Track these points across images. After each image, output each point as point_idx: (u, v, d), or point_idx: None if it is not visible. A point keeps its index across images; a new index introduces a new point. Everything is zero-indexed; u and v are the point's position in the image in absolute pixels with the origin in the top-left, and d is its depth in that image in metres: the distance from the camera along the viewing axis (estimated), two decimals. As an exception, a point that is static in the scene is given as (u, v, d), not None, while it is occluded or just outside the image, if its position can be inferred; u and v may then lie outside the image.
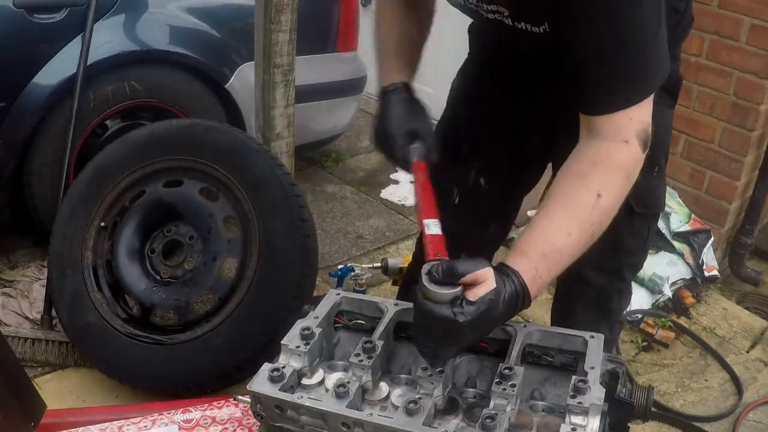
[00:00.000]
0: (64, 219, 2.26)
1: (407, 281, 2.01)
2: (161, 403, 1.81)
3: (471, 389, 1.28)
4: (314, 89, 3.07)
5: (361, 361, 1.23)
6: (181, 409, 1.64)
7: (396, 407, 1.17)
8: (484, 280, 1.11)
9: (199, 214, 2.18)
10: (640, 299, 2.84)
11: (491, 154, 1.68)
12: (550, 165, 1.67)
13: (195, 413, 1.63)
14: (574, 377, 1.15)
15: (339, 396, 1.15)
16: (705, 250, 3.00)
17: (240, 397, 1.39)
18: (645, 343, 2.74)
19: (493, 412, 1.12)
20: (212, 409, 1.64)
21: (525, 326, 1.29)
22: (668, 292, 2.89)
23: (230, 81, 2.86)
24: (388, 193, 3.69)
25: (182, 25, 2.78)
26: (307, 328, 1.27)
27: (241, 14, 2.85)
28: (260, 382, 1.19)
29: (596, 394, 1.12)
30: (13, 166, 2.60)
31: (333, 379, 1.22)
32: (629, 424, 1.23)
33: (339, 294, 1.40)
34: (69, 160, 2.52)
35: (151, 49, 2.71)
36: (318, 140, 3.49)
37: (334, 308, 1.37)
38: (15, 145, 2.56)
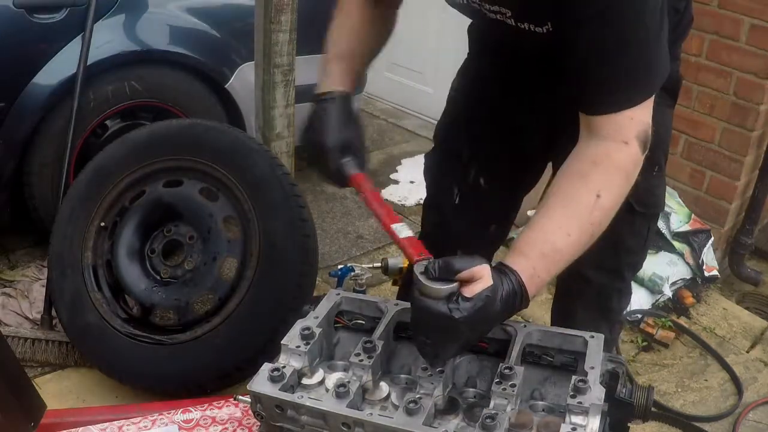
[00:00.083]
0: (64, 219, 2.26)
1: (407, 281, 2.01)
2: (161, 403, 1.81)
3: (471, 389, 1.28)
4: (314, 89, 3.07)
5: (361, 361, 1.23)
6: (181, 409, 1.64)
7: (396, 407, 1.17)
8: (481, 277, 1.11)
9: (199, 214, 2.18)
10: (640, 299, 2.84)
11: (491, 153, 1.68)
12: (550, 165, 1.68)
13: (195, 413, 1.63)
14: (574, 377, 1.15)
15: (339, 396, 1.15)
16: (705, 250, 3.00)
17: (240, 397, 1.39)
18: (645, 343, 2.74)
19: (493, 411, 1.12)
20: (212, 409, 1.64)
21: (525, 326, 1.29)
22: (668, 292, 2.89)
23: (230, 81, 2.86)
24: (388, 193, 3.70)
25: (182, 25, 2.78)
26: (307, 328, 1.27)
27: (241, 14, 2.85)
28: (260, 382, 1.19)
29: (596, 394, 1.12)
30: (13, 166, 2.60)
31: (333, 379, 1.22)
32: (629, 424, 1.23)
33: (339, 294, 1.40)
34: (69, 160, 2.52)
35: (151, 49, 2.71)
36: (318, 140, 3.48)
37: (334, 308, 1.37)
38: (15, 145, 2.56)
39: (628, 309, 2.44)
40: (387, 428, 1.10)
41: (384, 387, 1.23)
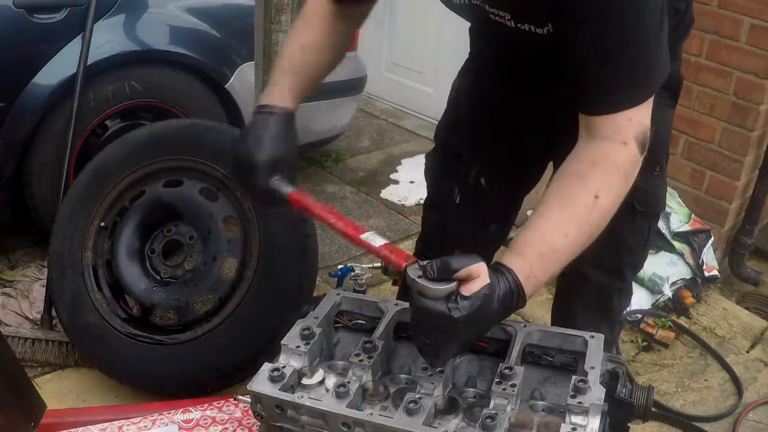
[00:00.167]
0: (64, 219, 2.26)
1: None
2: (161, 403, 1.80)
3: (471, 389, 1.28)
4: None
5: (361, 361, 1.23)
6: (181, 409, 1.64)
7: (396, 407, 1.17)
8: (478, 275, 1.11)
9: (199, 214, 2.18)
10: (640, 299, 2.84)
11: (492, 154, 1.68)
12: (551, 165, 1.68)
13: (195, 413, 1.63)
14: (574, 377, 1.15)
15: (339, 396, 1.15)
16: (705, 250, 3.00)
17: (240, 397, 1.39)
18: (645, 343, 2.74)
19: (493, 411, 1.12)
20: (212, 409, 1.64)
21: (525, 326, 1.29)
22: (668, 292, 2.89)
23: (230, 81, 2.86)
24: (388, 193, 3.70)
25: (182, 25, 2.78)
26: (307, 328, 1.27)
27: (241, 14, 2.85)
28: (260, 382, 1.19)
29: (596, 394, 1.12)
30: (13, 166, 2.60)
31: (333, 378, 1.22)
32: (629, 424, 1.23)
33: (339, 294, 1.40)
34: (69, 160, 2.52)
35: (151, 49, 2.71)
36: (318, 140, 3.49)
37: (334, 308, 1.37)
38: (15, 145, 2.56)
39: (628, 309, 2.44)
40: (387, 428, 1.10)
41: (384, 387, 1.23)
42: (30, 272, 2.66)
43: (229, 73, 2.86)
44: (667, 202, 1.80)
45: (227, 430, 1.59)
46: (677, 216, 3.03)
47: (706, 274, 3.00)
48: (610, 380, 1.20)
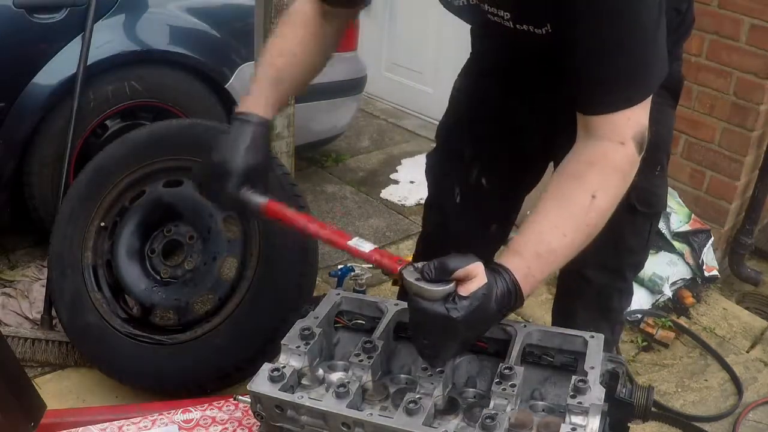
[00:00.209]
0: (64, 219, 2.26)
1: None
2: (161, 403, 1.80)
3: (471, 389, 1.28)
4: (314, 89, 3.05)
5: (361, 361, 1.23)
6: (181, 409, 1.64)
7: (396, 407, 1.17)
8: (475, 275, 1.11)
9: (199, 214, 2.17)
10: (640, 299, 2.84)
11: (492, 153, 1.69)
12: (551, 165, 1.68)
13: (195, 413, 1.62)
14: (574, 377, 1.15)
15: (339, 396, 1.15)
16: (705, 250, 3.00)
17: (240, 397, 1.39)
18: (645, 343, 2.74)
19: (493, 412, 1.12)
20: (212, 409, 1.64)
21: (525, 326, 1.29)
22: (668, 292, 2.89)
23: (230, 81, 2.86)
24: (388, 193, 3.70)
25: (182, 25, 2.78)
26: (307, 328, 1.28)
27: (241, 14, 2.85)
28: (260, 382, 1.19)
29: (596, 394, 1.12)
30: (13, 166, 2.60)
31: (333, 379, 1.22)
32: (629, 424, 1.23)
33: (339, 294, 1.40)
34: (69, 160, 2.52)
35: (151, 49, 2.71)
36: (318, 140, 3.49)
37: (334, 308, 1.37)
38: (15, 145, 2.56)
39: (628, 309, 2.45)
40: (387, 428, 1.10)
41: (384, 387, 1.23)
42: (30, 272, 2.66)
43: (229, 73, 2.86)
44: (666, 202, 1.80)
45: (227, 430, 1.59)
46: (677, 216, 3.03)
47: (706, 274, 3.00)
48: (610, 380, 1.20)
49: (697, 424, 2.33)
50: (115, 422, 1.61)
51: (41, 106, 2.53)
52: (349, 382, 1.18)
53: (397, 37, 4.68)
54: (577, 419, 1.10)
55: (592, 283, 1.67)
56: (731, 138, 2.99)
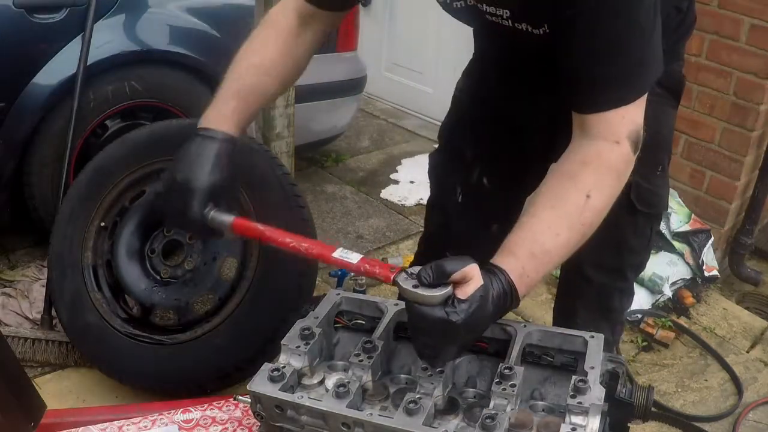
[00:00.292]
0: (64, 219, 2.26)
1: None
2: (161, 403, 1.80)
3: (471, 389, 1.28)
4: (314, 89, 3.07)
5: (361, 361, 1.23)
6: (181, 409, 1.64)
7: (396, 407, 1.17)
8: (472, 278, 1.11)
9: (199, 214, 2.17)
10: (640, 299, 2.84)
11: (493, 154, 1.69)
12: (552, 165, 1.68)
13: (195, 413, 1.62)
14: (574, 377, 1.15)
15: (339, 396, 1.15)
16: (705, 250, 3.00)
17: (240, 397, 1.39)
18: (645, 343, 2.74)
19: (493, 412, 1.12)
20: (212, 409, 1.64)
21: (525, 326, 1.29)
22: (668, 292, 2.89)
23: (230, 81, 2.86)
24: (388, 193, 3.70)
25: (182, 25, 2.78)
26: (307, 328, 1.27)
27: (241, 14, 2.85)
28: (260, 382, 1.19)
29: (596, 394, 1.12)
30: (13, 166, 2.60)
31: (333, 379, 1.22)
32: (629, 424, 1.23)
33: (339, 294, 1.40)
34: (69, 160, 2.52)
35: (151, 49, 2.71)
36: (318, 140, 3.49)
37: (334, 308, 1.37)
38: (15, 145, 2.56)
39: (628, 309, 2.45)
40: (387, 428, 1.10)
41: (384, 387, 1.23)
42: (30, 272, 2.66)
43: (229, 73, 2.86)
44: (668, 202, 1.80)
45: (227, 430, 1.59)
46: (677, 216, 3.03)
47: (706, 274, 3.00)
48: (610, 380, 1.20)
49: (697, 424, 2.33)
50: (115, 422, 1.61)
51: (41, 106, 2.53)
52: (349, 382, 1.18)
53: (397, 37, 4.68)
54: (577, 419, 1.10)
55: (593, 283, 1.67)
56: (731, 138, 2.99)
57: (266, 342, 1.97)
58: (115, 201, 2.24)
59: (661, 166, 1.59)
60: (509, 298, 1.16)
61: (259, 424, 1.25)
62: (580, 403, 1.10)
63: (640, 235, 1.63)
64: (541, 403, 1.22)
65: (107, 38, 2.60)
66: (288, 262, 2.06)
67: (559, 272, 1.78)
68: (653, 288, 2.88)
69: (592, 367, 1.17)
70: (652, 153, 1.47)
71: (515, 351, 1.23)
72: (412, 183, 3.74)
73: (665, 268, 2.91)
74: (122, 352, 2.09)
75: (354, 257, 1.23)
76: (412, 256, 2.10)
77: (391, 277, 1.16)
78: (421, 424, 1.09)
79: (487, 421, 1.09)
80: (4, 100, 2.49)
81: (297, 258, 2.05)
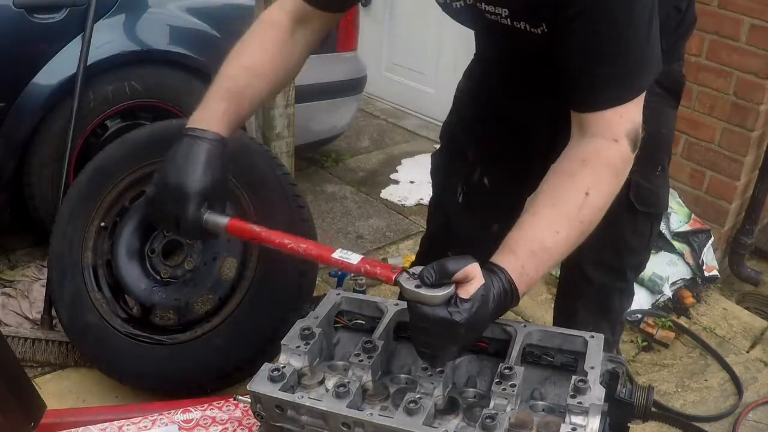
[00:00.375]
0: (64, 219, 2.26)
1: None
2: (161, 403, 1.80)
3: (471, 389, 1.28)
4: (314, 89, 3.07)
5: (361, 361, 1.23)
6: (181, 409, 1.64)
7: (396, 407, 1.17)
8: (474, 277, 1.11)
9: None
10: (640, 299, 2.84)
11: (494, 154, 1.69)
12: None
13: (195, 413, 1.62)
14: (574, 377, 1.15)
15: (339, 396, 1.15)
16: (705, 250, 3.00)
17: (240, 397, 1.39)
18: (645, 343, 2.74)
19: (493, 411, 1.12)
20: (212, 409, 1.64)
21: (525, 326, 1.29)
22: (668, 292, 2.89)
23: (230, 81, 2.86)
24: (388, 193, 3.70)
25: (182, 25, 2.78)
26: (307, 328, 1.27)
27: (241, 14, 2.85)
28: (260, 382, 1.19)
29: (596, 394, 1.12)
30: (13, 166, 2.60)
31: (333, 378, 1.22)
32: (629, 424, 1.23)
33: (339, 294, 1.40)
34: (69, 160, 2.52)
35: (151, 49, 2.71)
36: (318, 140, 3.49)
37: (334, 308, 1.37)
38: (15, 145, 2.56)
39: (628, 309, 2.45)
40: (387, 428, 1.10)
41: (384, 387, 1.23)
42: (30, 272, 2.66)
43: (229, 73, 2.86)
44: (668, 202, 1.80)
45: (227, 430, 1.59)
46: (677, 216, 3.03)
47: (706, 274, 3.00)
48: (610, 380, 1.20)
49: (697, 424, 2.32)
50: (115, 422, 1.60)
51: (41, 106, 2.53)
52: (349, 382, 1.18)
53: (397, 37, 4.68)
54: (577, 419, 1.10)
55: (593, 283, 1.67)
56: (731, 138, 2.99)
57: (266, 342, 1.97)
58: (115, 201, 2.24)
59: (660, 166, 1.59)
60: (509, 296, 1.16)
61: (259, 424, 1.25)
62: (580, 403, 1.10)
63: (639, 235, 1.63)
64: (541, 403, 1.22)
65: (107, 38, 2.60)
66: (288, 262, 2.06)
67: (559, 272, 1.78)
68: (653, 288, 2.88)
69: (592, 367, 1.17)
70: (652, 153, 1.47)
71: (515, 351, 1.23)
72: (412, 183, 3.74)
73: (665, 268, 2.91)
74: (122, 352, 2.09)
75: (354, 258, 1.22)
76: (413, 256, 2.10)
77: (393, 278, 1.15)
78: (421, 424, 1.09)
79: (487, 421, 1.09)
80: (4, 100, 2.49)
81: (297, 258, 2.06)
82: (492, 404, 1.15)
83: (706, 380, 2.59)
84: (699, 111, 3.06)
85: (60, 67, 2.53)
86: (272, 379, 1.18)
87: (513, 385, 1.15)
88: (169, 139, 2.25)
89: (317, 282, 2.33)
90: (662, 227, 2.97)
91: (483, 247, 1.28)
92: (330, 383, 1.21)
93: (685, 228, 3.01)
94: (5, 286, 2.60)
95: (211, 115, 1.36)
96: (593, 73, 1.22)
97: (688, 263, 2.97)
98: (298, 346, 1.25)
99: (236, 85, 1.39)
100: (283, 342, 1.26)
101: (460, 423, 1.18)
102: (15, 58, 2.49)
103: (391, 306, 1.35)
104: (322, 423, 1.16)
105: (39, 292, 2.49)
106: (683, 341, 2.78)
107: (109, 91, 2.64)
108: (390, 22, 4.68)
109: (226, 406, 1.64)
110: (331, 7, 1.45)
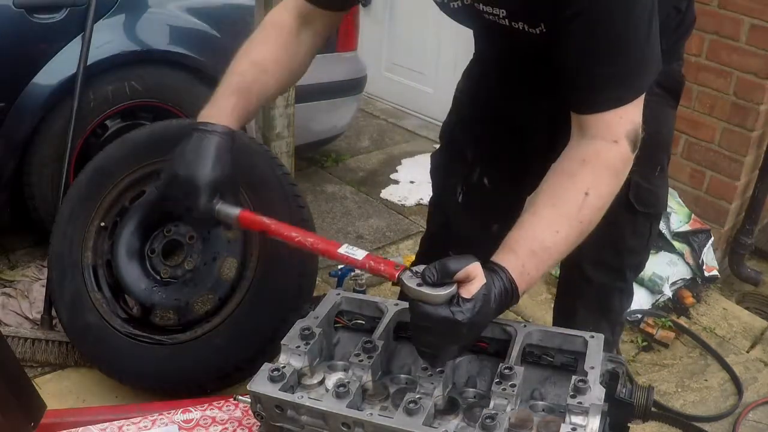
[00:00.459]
0: (64, 219, 2.26)
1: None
2: (161, 403, 1.80)
3: (471, 389, 1.28)
4: (314, 89, 3.07)
5: (361, 361, 1.23)
6: (181, 409, 1.64)
7: (396, 407, 1.17)
8: (475, 276, 1.11)
9: (199, 214, 2.17)
10: (640, 299, 2.84)
11: (493, 154, 1.69)
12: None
13: (195, 413, 1.62)
14: (574, 377, 1.15)
15: (339, 396, 1.15)
16: (705, 250, 3.00)
17: (240, 397, 1.39)
18: (645, 343, 2.74)
19: (493, 412, 1.12)
20: (212, 409, 1.64)
21: (525, 326, 1.29)
22: (668, 292, 2.89)
23: (230, 81, 2.86)
24: (388, 193, 3.70)
25: (182, 25, 2.78)
26: (307, 328, 1.27)
27: (241, 14, 2.85)
28: (260, 382, 1.19)
29: (596, 394, 1.12)
30: (13, 166, 2.60)
31: (333, 379, 1.22)
32: (629, 424, 1.23)
33: (339, 294, 1.40)
34: (69, 160, 2.52)
35: (151, 49, 2.71)
36: (318, 140, 3.49)
37: (334, 308, 1.37)
38: (15, 145, 2.56)
39: (628, 309, 2.45)
40: (387, 428, 1.10)
41: (384, 387, 1.23)
42: (30, 272, 2.66)
43: (229, 73, 2.86)
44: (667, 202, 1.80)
45: (227, 430, 1.59)
46: (677, 216, 3.03)
47: (706, 274, 3.00)
48: (610, 380, 1.20)
49: (697, 424, 2.32)
50: (115, 422, 1.61)
51: (41, 106, 2.53)
52: (349, 382, 1.18)
53: (397, 37, 4.68)
54: (577, 419, 1.10)
55: (593, 283, 1.67)
56: (731, 138, 2.99)
57: (266, 342, 1.97)
58: (115, 201, 2.24)
59: (660, 166, 1.59)
60: (510, 295, 1.16)
61: (259, 424, 1.25)
62: (580, 403, 1.10)
63: (639, 235, 1.63)
64: (541, 403, 1.22)
65: (107, 38, 2.60)
66: (288, 262, 2.06)
67: (558, 272, 1.78)
68: (653, 288, 2.88)
69: (592, 367, 1.18)
70: (652, 153, 1.47)
71: (515, 351, 1.23)
72: (412, 183, 3.74)
73: (665, 268, 2.91)
74: (122, 352, 2.09)
75: (359, 254, 1.23)
76: (413, 256, 2.10)
77: (396, 275, 1.16)
78: (421, 424, 1.10)
79: (487, 421, 1.10)
80: (4, 100, 2.49)
81: (297, 258, 2.07)
82: (492, 404, 1.15)
83: (706, 380, 2.59)
84: (699, 111, 3.06)
85: (60, 67, 2.53)
86: (272, 379, 1.18)
87: (513, 385, 1.16)
88: (169, 139, 2.27)
89: (317, 282, 2.33)
90: (662, 227, 2.97)
91: (483, 246, 1.28)
92: (330, 383, 1.21)
93: (685, 228, 3.01)
94: (5, 286, 2.60)
95: (221, 110, 1.39)
96: (592, 73, 1.22)
97: (688, 263, 2.97)
98: (298, 346, 1.25)
99: (244, 81, 1.42)
100: (283, 342, 1.26)
101: (460, 423, 1.18)
102: (15, 58, 2.49)
103: (391, 306, 1.35)
104: (322, 423, 1.16)
105: (39, 292, 2.49)
106: (683, 341, 2.78)
107: (109, 91, 2.64)
108: (390, 22, 4.68)
109: (226, 406, 1.64)
110: (332, 6, 1.47)
